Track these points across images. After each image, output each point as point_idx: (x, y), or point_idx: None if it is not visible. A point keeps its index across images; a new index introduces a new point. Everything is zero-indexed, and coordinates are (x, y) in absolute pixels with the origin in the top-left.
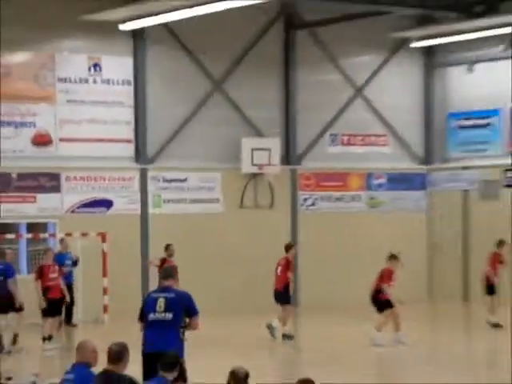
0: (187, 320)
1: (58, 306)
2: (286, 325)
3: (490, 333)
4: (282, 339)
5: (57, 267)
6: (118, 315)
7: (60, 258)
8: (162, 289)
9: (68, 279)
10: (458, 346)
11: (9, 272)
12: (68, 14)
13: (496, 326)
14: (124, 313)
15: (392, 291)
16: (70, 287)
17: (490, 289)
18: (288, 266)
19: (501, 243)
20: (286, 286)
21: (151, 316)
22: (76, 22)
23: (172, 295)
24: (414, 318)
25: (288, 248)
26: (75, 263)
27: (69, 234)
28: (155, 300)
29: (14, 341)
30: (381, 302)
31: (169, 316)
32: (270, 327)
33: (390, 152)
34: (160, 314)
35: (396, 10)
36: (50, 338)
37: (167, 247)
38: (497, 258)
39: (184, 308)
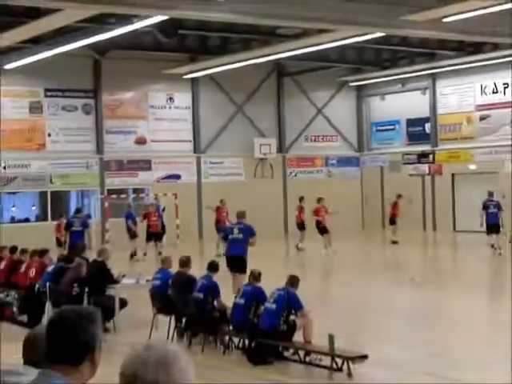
0: (250, 239)
1: (156, 236)
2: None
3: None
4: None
5: (157, 213)
6: (184, 241)
7: (156, 207)
8: (238, 222)
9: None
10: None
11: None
12: (154, 69)
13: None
14: (187, 240)
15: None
16: (162, 225)
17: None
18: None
19: (398, 196)
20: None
21: (230, 236)
22: (159, 74)
23: (242, 226)
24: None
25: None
26: (163, 210)
27: (156, 195)
28: (232, 228)
29: (131, 255)
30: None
31: (240, 236)
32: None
33: (339, 145)
34: (235, 235)
35: (340, 65)
36: (145, 254)
37: (221, 200)
38: (396, 205)
39: (249, 232)
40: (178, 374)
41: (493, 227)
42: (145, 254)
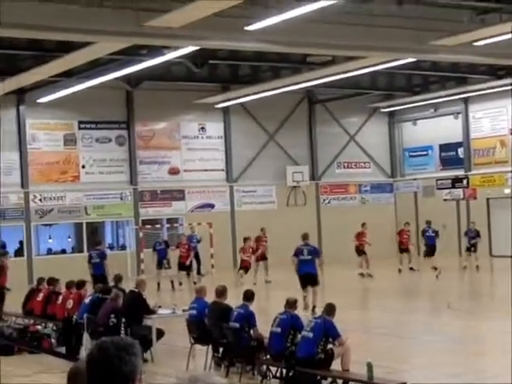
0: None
1: (185, 267)
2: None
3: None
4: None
5: (187, 245)
6: (220, 270)
7: (190, 238)
8: (305, 244)
9: (195, 249)
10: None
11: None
12: (186, 99)
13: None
14: (223, 268)
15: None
16: (197, 254)
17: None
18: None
19: (406, 224)
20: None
21: (301, 257)
22: (190, 104)
23: (310, 248)
24: (386, 265)
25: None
26: (199, 241)
27: (190, 224)
28: (302, 250)
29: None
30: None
31: (309, 257)
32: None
33: (371, 171)
34: (305, 256)
35: (371, 91)
36: (180, 284)
37: (262, 229)
38: (402, 233)
39: (315, 253)
40: None
41: None
42: (180, 284)
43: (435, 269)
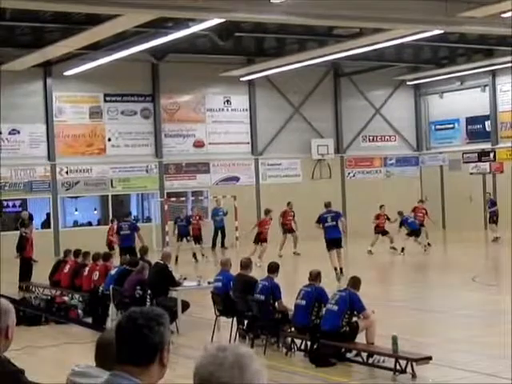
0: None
1: (196, 238)
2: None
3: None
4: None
5: (198, 216)
6: (243, 242)
7: (214, 211)
8: (328, 211)
9: (220, 224)
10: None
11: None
12: (211, 72)
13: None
14: (246, 241)
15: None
16: (222, 228)
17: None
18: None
19: (420, 201)
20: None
21: (326, 224)
22: (217, 77)
23: (333, 214)
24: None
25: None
26: (225, 214)
27: (215, 197)
28: (326, 217)
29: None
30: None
31: (333, 223)
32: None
33: (397, 145)
34: (329, 222)
35: (397, 64)
36: (203, 255)
37: (288, 203)
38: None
39: (338, 218)
40: (252, 376)
41: None
42: (203, 255)
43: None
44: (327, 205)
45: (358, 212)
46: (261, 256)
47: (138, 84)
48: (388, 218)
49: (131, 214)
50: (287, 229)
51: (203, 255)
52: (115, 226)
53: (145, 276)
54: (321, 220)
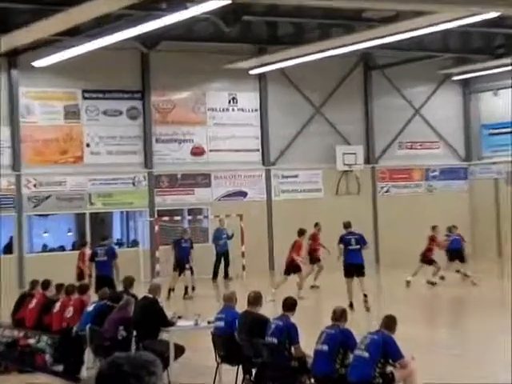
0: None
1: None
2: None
3: None
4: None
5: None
6: (252, 273)
7: (217, 233)
8: (350, 233)
9: (223, 248)
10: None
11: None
12: (213, 64)
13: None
14: (256, 270)
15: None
16: (226, 254)
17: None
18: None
19: (433, 228)
20: None
21: (349, 247)
22: (220, 70)
23: (357, 236)
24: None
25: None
26: (230, 237)
27: (217, 216)
28: (350, 239)
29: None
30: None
31: (357, 247)
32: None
33: (441, 153)
34: (353, 245)
35: (441, 54)
36: (193, 289)
37: (316, 224)
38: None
39: (362, 242)
40: None
41: None
42: (193, 289)
43: None
44: (347, 225)
45: (393, 236)
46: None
47: (124, 78)
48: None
49: (111, 236)
50: (316, 257)
51: (193, 289)
52: (88, 252)
53: (129, 313)
54: (343, 242)
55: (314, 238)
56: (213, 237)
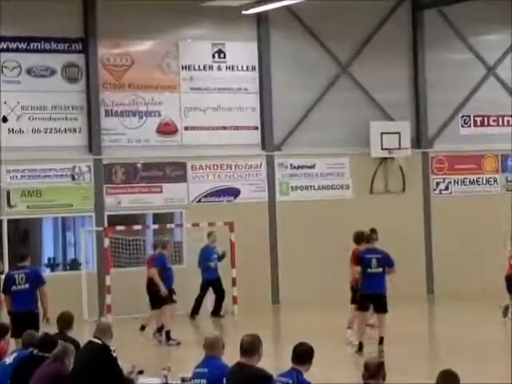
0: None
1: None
2: None
3: None
4: None
5: (153, 259)
6: (248, 306)
7: (207, 252)
8: (372, 250)
9: (214, 273)
10: None
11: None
12: (191, 1)
13: None
14: (253, 304)
15: None
16: (217, 283)
17: None
18: None
19: None
20: None
21: (369, 270)
22: (199, 9)
23: (379, 255)
24: None
25: None
26: (221, 257)
27: (195, 225)
28: (370, 259)
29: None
30: None
31: (380, 270)
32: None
33: None
34: (374, 268)
35: None
36: (142, 328)
37: (372, 230)
38: None
39: (387, 263)
40: None
41: None
42: (142, 329)
43: None
44: (368, 238)
45: (453, 254)
46: None
47: (59, 20)
48: None
49: (28, 255)
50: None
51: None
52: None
53: (67, 367)
54: (362, 262)
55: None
56: (200, 258)
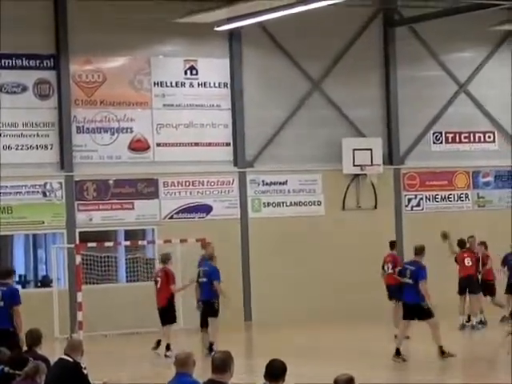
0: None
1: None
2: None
3: None
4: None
5: (164, 273)
6: (220, 323)
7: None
8: (411, 262)
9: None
10: None
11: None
12: (163, 17)
13: None
14: (225, 320)
15: None
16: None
17: None
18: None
19: (482, 243)
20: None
21: (403, 280)
22: (171, 25)
23: (413, 268)
24: None
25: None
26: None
27: (167, 241)
28: (405, 270)
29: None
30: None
31: (410, 281)
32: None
33: (498, 149)
34: (407, 279)
35: (498, 3)
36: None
37: (392, 244)
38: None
39: (419, 275)
40: None
41: None
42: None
43: None
44: (419, 250)
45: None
46: None
47: (30, 37)
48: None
49: (12, 272)
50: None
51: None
52: None
53: None
54: (400, 272)
55: (395, 262)
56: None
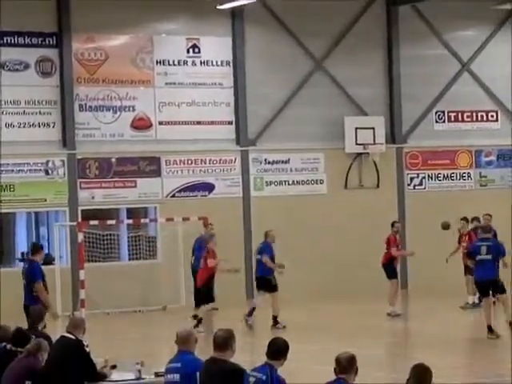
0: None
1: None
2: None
3: None
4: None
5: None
6: (223, 301)
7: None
8: (484, 238)
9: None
10: None
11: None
12: None
13: None
14: (227, 300)
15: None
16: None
17: None
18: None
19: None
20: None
21: (479, 256)
22: (174, 3)
23: (490, 243)
24: None
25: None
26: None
27: (170, 219)
28: (479, 246)
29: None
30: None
31: (489, 257)
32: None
33: (500, 128)
34: (484, 255)
35: None
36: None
37: (394, 224)
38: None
39: (498, 251)
40: None
41: None
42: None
43: None
44: (486, 229)
45: (427, 250)
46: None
47: (33, 15)
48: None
49: (42, 247)
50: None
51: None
52: None
53: (40, 362)
54: (473, 252)
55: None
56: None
